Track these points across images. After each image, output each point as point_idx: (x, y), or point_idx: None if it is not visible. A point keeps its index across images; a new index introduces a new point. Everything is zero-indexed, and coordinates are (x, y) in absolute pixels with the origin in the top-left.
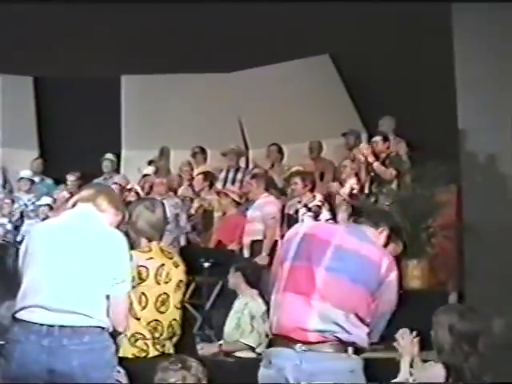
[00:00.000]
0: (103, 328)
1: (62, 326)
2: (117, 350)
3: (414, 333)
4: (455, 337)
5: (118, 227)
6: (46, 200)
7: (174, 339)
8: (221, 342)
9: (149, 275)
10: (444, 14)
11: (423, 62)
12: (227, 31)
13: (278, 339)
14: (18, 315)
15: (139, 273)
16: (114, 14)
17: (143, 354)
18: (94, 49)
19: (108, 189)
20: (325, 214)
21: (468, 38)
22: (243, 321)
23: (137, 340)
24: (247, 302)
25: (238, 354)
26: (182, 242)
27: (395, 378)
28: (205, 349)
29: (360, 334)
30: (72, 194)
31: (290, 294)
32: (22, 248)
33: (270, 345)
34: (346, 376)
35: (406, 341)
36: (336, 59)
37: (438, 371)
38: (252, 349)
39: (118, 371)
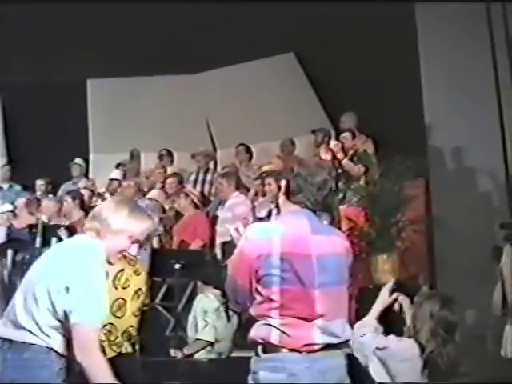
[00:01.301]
0: (50, 348)
1: (13, 341)
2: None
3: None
4: (434, 322)
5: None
6: (8, 207)
7: (132, 340)
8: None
9: (107, 278)
10: (408, 12)
11: (389, 58)
12: (192, 32)
13: (277, 347)
14: None
15: None
16: (77, 17)
17: None
18: (58, 53)
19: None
20: None
21: (432, 34)
22: (198, 318)
23: None
24: (199, 300)
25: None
26: (155, 244)
27: (365, 373)
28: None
29: (349, 336)
30: (31, 200)
31: (291, 319)
32: None
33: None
34: (344, 370)
35: (383, 290)
36: (301, 58)
37: (411, 345)
38: (211, 344)
39: None
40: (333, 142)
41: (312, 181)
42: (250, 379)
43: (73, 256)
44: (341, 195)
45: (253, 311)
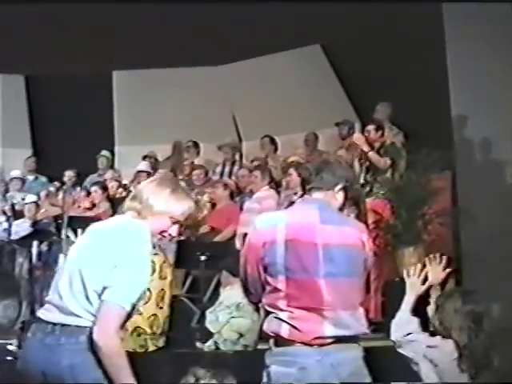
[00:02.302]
0: None
1: (64, 325)
2: None
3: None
4: (461, 318)
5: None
6: (32, 198)
7: (164, 335)
8: None
9: (155, 270)
10: (435, 5)
11: (415, 49)
12: (218, 24)
13: (289, 341)
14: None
15: None
16: (103, 10)
17: (143, 350)
18: (84, 46)
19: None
20: None
21: (459, 25)
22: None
23: (139, 334)
24: (225, 291)
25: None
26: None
27: (393, 367)
28: None
29: (363, 329)
30: (52, 191)
31: (300, 311)
32: None
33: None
34: (359, 363)
35: (413, 277)
36: (327, 49)
37: (449, 347)
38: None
39: None
40: (356, 135)
41: (323, 172)
42: (263, 373)
43: (121, 237)
44: (368, 188)
45: (264, 301)
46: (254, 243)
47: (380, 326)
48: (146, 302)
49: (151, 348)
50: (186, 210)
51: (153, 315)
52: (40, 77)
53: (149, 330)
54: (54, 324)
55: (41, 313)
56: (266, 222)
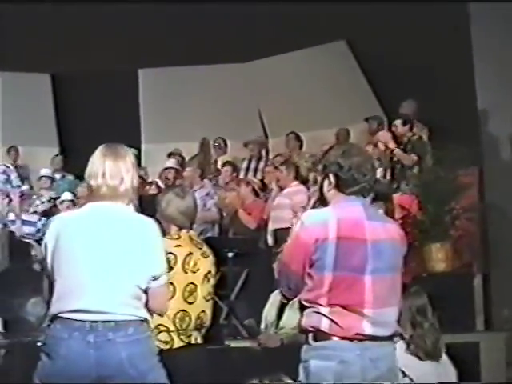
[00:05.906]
0: (143, 320)
1: (105, 321)
2: None
3: None
4: (412, 313)
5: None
6: (68, 196)
7: (203, 330)
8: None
9: (176, 263)
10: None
11: (441, 44)
12: (244, 20)
13: (328, 335)
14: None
15: (167, 260)
16: (128, 7)
17: (167, 346)
18: (109, 44)
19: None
20: None
21: (485, 18)
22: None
23: (160, 332)
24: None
25: None
26: (214, 232)
27: None
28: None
29: (399, 328)
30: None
31: (340, 308)
32: (51, 242)
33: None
34: (394, 358)
35: None
36: (352, 45)
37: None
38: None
39: None
40: (381, 133)
41: (365, 171)
42: (300, 368)
43: (139, 224)
44: (395, 185)
45: (303, 296)
46: (304, 240)
47: None
48: (171, 298)
49: (177, 344)
50: None
51: (181, 311)
52: (66, 75)
53: (172, 327)
54: (93, 321)
55: (66, 315)
56: (316, 219)
